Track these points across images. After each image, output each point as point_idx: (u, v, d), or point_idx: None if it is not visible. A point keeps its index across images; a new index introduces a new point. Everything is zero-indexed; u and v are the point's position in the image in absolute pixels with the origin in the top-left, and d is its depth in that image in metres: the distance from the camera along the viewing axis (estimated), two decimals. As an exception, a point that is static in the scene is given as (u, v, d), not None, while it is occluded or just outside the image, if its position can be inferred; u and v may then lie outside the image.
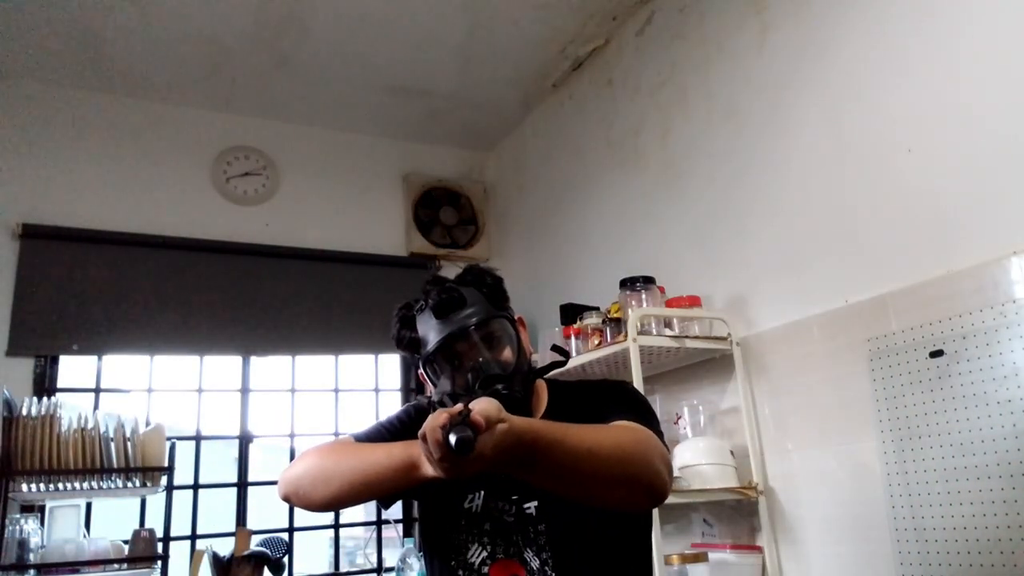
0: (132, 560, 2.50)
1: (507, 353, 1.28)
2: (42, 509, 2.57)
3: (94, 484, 2.45)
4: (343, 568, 3.30)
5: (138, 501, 2.80)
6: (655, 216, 2.78)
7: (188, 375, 3.15)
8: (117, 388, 3.06)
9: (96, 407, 2.90)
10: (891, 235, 1.92)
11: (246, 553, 2.65)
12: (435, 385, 1.28)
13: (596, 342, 2.44)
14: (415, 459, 1.13)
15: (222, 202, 3.35)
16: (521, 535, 1.25)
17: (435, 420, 0.96)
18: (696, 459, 2.18)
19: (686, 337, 2.31)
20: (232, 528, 2.95)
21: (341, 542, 3.34)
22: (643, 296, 2.37)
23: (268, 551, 2.71)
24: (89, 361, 2.99)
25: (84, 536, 2.54)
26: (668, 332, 2.35)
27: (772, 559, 2.15)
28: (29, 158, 3.03)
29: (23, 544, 2.35)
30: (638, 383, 2.13)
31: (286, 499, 1.31)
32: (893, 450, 1.84)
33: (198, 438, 3.08)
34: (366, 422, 1.45)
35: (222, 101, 3.38)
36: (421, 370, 1.31)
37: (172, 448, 2.62)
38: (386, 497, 1.32)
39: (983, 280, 1.69)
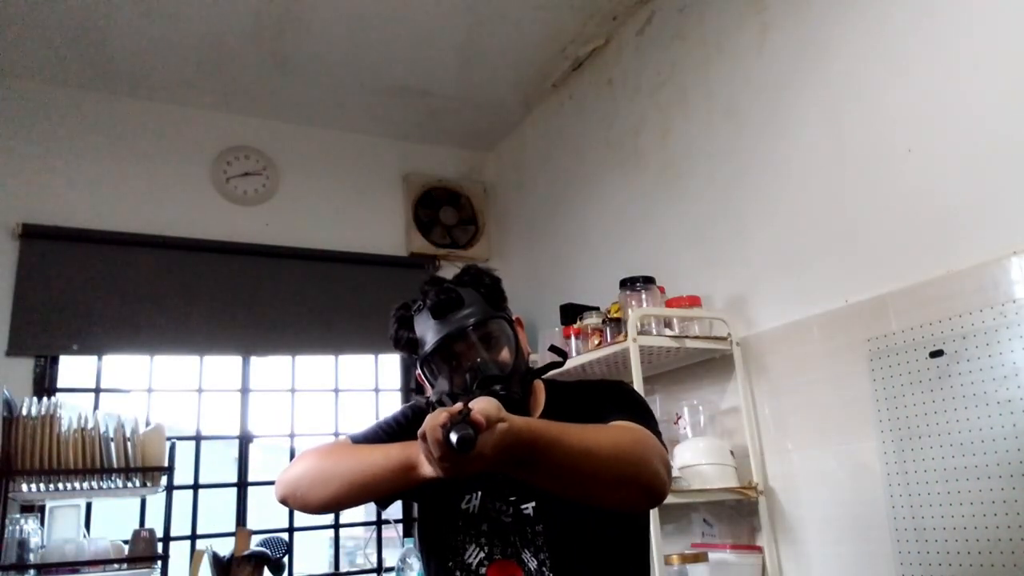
0: (132, 560, 2.50)
1: (505, 353, 1.28)
2: (42, 509, 2.57)
3: (94, 484, 2.45)
4: (343, 568, 3.30)
5: (138, 501, 2.80)
6: (655, 216, 2.78)
7: (188, 375, 3.15)
8: (117, 388, 3.06)
9: (96, 407, 2.90)
10: (891, 235, 1.92)
11: (246, 553, 2.65)
12: (433, 386, 1.28)
13: (596, 342, 2.44)
14: (413, 460, 1.13)
15: (222, 202, 3.35)
16: (519, 536, 1.25)
17: (435, 419, 0.96)
18: (696, 459, 2.18)
19: (686, 337, 2.31)
20: (232, 528, 2.95)
21: (341, 542, 3.33)
22: (643, 296, 2.37)
23: (268, 551, 2.71)
24: (89, 361, 2.99)
25: (84, 536, 2.54)
26: (668, 332, 2.35)
27: (772, 559, 2.14)
28: (29, 158, 3.03)
29: (23, 544, 2.35)
30: (638, 383, 2.13)
31: (283, 501, 1.31)
32: (893, 450, 1.84)
33: (198, 438, 3.08)
34: (366, 422, 1.44)
35: (222, 101, 3.38)
36: (419, 371, 1.31)
37: (172, 448, 2.62)
38: (383, 498, 1.31)
39: (983, 280, 1.69)
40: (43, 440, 2.39)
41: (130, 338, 3.02)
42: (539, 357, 2.39)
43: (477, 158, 4.01)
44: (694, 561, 2.10)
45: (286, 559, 2.87)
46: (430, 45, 3.07)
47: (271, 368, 3.34)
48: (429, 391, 1.30)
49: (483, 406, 0.97)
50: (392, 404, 3.53)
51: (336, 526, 3.31)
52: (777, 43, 2.32)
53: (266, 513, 3.20)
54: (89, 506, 2.70)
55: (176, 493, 2.76)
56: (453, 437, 0.92)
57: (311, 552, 3.41)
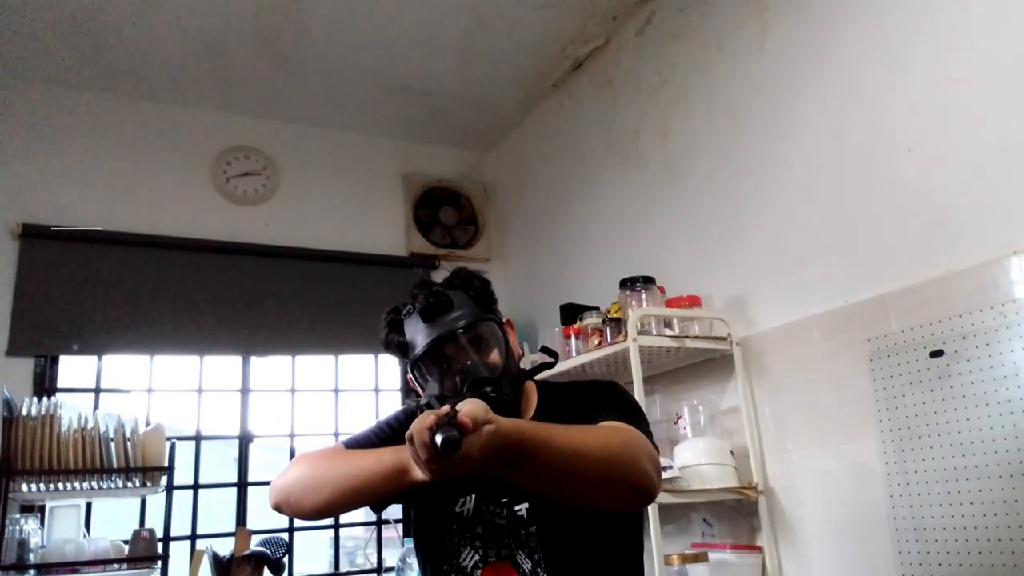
0: (132, 560, 2.50)
1: (495, 355, 1.28)
2: (42, 509, 2.57)
3: (94, 484, 2.45)
4: (343, 568, 3.30)
5: (138, 501, 2.80)
6: (655, 216, 2.78)
7: (188, 375, 3.15)
8: (117, 388, 3.06)
9: (96, 407, 2.90)
10: (891, 235, 1.91)
11: (246, 553, 2.65)
12: (423, 388, 1.28)
13: (596, 342, 2.44)
14: (405, 463, 1.13)
15: (222, 202, 3.35)
16: (512, 537, 1.25)
17: (422, 422, 0.96)
18: (696, 459, 2.18)
19: (686, 337, 2.31)
20: (232, 528, 2.96)
21: (341, 542, 3.33)
22: (643, 296, 2.37)
23: (268, 551, 2.71)
24: (89, 361, 2.99)
25: (84, 536, 2.54)
26: (668, 332, 2.35)
27: (772, 559, 2.14)
28: (29, 158, 3.03)
29: (23, 544, 2.35)
30: (638, 383, 2.13)
31: (277, 508, 1.30)
32: (893, 450, 1.83)
33: (198, 438, 3.09)
34: (366, 422, 1.45)
35: (222, 101, 3.38)
36: (410, 374, 1.31)
37: (172, 448, 2.62)
38: (377, 502, 1.32)
39: (983, 280, 1.68)
40: (43, 440, 2.39)
41: (130, 338, 3.02)
42: (538, 357, 2.39)
43: (477, 158, 4.01)
44: (694, 561, 2.10)
45: (286, 559, 2.87)
46: (430, 45, 3.07)
47: (271, 368, 3.34)
48: (421, 394, 1.30)
49: (470, 408, 0.97)
50: (392, 404, 3.53)
51: (336, 526, 3.30)
52: (777, 43, 2.32)
53: (266, 513, 3.17)
54: (89, 506, 2.70)
55: (176, 493, 2.76)
56: (438, 439, 0.92)
57: (311, 552, 3.41)
